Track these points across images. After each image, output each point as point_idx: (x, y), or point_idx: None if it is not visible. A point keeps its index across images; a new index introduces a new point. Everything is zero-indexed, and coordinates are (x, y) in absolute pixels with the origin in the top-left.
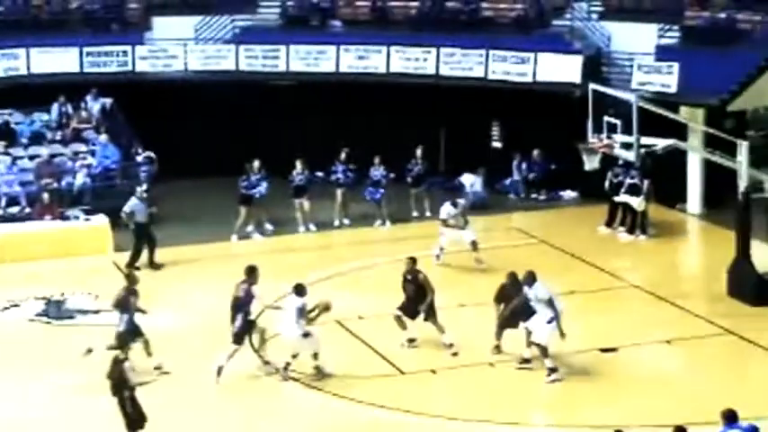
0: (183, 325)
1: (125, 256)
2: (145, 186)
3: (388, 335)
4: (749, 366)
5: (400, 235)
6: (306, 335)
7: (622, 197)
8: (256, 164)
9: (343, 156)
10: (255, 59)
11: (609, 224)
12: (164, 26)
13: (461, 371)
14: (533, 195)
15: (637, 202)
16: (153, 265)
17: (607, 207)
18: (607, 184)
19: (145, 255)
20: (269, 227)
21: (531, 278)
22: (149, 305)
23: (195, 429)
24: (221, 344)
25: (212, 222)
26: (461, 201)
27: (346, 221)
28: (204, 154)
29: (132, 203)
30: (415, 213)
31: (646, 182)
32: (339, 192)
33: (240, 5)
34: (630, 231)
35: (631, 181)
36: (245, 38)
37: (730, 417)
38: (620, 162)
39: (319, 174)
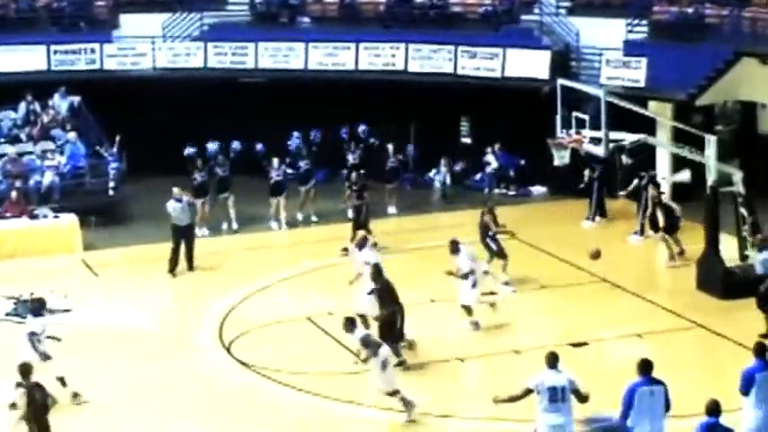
0: (150, 323)
1: (94, 255)
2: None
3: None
4: (719, 359)
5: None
6: None
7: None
8: (220, 158)
9: (303, 151)
10: (224, 56)
11: (593, 218)
12: (132, 24)
13: (431, 365)
14: (503, 190)
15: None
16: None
17: (588, 202)
18: (587, 179)
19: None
20: (234, 225)
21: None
22: (120, 305)
23: (162, 429)
24: (189, 342)
25: None
26: None
27: (314, 218)
28: (173, 151)
29: (168, 204)
30: (391, 210)
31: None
32: (302, 189)
33: (208, 2)
34: (642, 231)
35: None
36: (213, 35)
37: (712, 409)
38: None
39: (290, 171)
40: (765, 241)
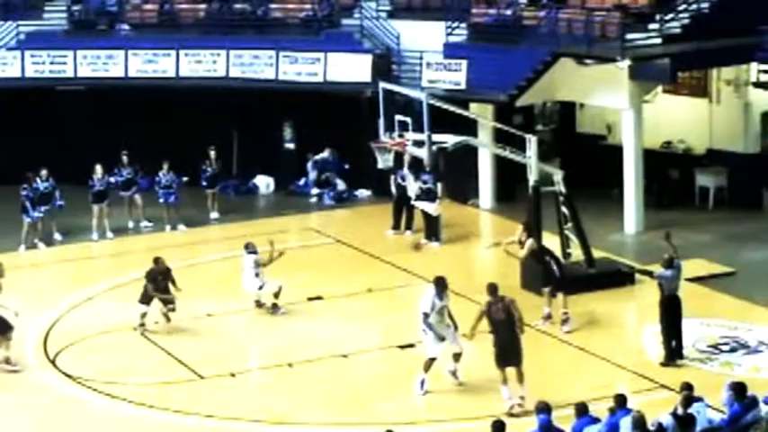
0: None
1: None
2: None
3: (186, 340)
4: (544, 357)
5: (195, 239)
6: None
7: (417, 203)
8: (44, 172)
9: (124, 159)
10: (42, 65)
11: (396, 227)
12: None
13: (260, 373)
14: (328, 195)
15: (433, 208)
16: None
17: (392, 210)
18: (394, 188)
19: None
20: (58, 236)
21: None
22: None
23: None
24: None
25: None
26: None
27: (149, 224)
28: None
29: None
30: (214, 215)
31: (439, 186)
32: (124, 195)
33: (25, 10)
34: (428, 237)
35: (425, 186)
36: (30, 44)
37: (542, 408)
38: (406, 165)
39: (112, 179)
40: (671, 260)
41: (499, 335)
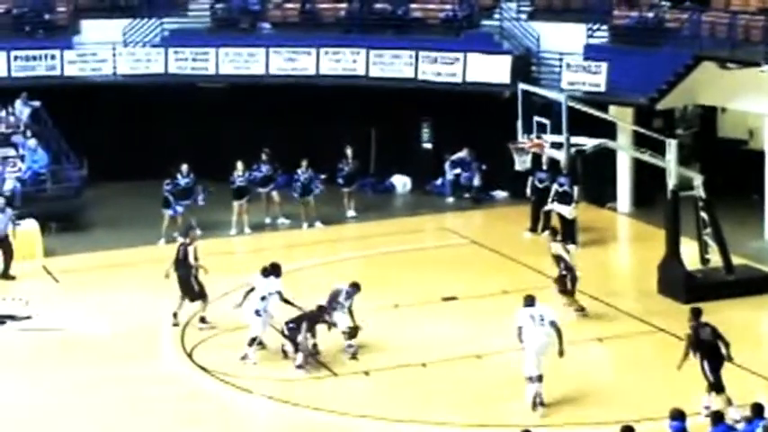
0: (111, 329)
1: (55, 261)
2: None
3: (321, 338)
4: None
5: (332, 236)
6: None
7: (553, 206)
8: (184, 167)
9: (264, 156)
10: (185, 62)
11: (533, 229)
12: (92, 29)
13: (394, 372)
14: (465, 196)
15: (568, 211)
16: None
17: (530, 211)
18: (529, 189)
19: None
20: (197, 231)
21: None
22: (81, 310)
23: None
24: (150, 347)
25: (140, 226)
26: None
27: (286, 221)
28: (133, 157)
29: None
30: (350, 213)
31: (576, 189)
32: (262, 192)
33: (169, 8)
34: (563, 240)
35: (561, 189)
36: (174, 41)
37: (676, 415)
38: (545, 167)
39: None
40: None
41: (714, 359)
